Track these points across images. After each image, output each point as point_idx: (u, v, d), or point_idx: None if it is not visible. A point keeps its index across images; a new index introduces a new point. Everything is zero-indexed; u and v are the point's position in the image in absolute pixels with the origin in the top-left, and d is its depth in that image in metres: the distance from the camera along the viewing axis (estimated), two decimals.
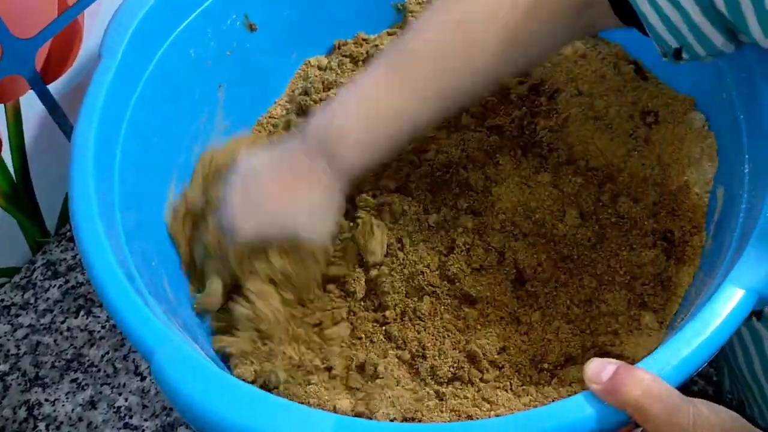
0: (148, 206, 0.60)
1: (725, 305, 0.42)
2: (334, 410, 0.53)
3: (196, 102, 0.68)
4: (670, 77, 0.68)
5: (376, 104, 0.57)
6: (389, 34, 0.78)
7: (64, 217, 0.78)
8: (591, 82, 0.67)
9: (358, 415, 0.52)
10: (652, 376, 0.39)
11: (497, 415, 0.51)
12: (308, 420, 0.40)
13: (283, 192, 0.58)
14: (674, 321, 0.55)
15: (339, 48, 0.77)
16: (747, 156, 0.54)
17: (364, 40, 0.77)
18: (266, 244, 0.58)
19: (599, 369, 0.41)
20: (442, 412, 0.52)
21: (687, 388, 0.39)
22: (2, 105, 0.66)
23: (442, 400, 0.53)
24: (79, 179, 0.51)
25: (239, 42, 0.71)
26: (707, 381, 0.66)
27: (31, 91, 0.68)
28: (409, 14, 0.77)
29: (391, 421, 0.51)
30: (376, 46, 0.76)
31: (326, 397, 0.54)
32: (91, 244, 0.48)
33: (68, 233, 0.78)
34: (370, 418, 0.51)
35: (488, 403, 0.52)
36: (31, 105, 0.69)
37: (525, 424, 0.39)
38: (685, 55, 0.51)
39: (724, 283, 0.44)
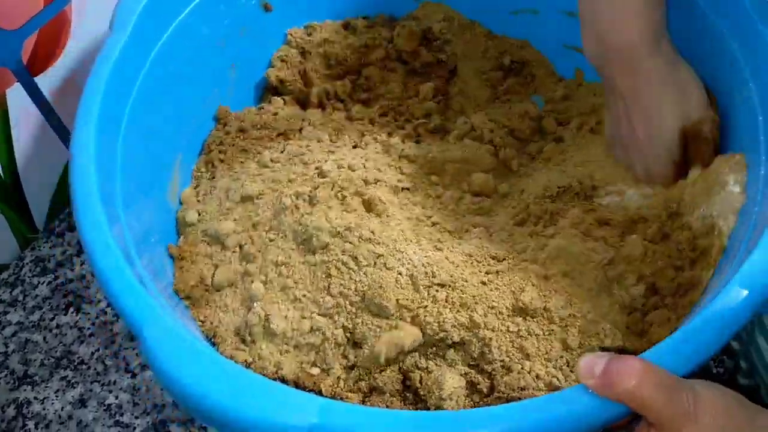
0: (150, 187, 0.60)
1: (728, 306, 0.42)
2: None
3: (207, 81, 0.68)
4: None
5: None
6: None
7: (53, 212, 0.78)
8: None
9: None
10: (644, 363, 0.39)
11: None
12: (294, 402, 0.40)
13: None
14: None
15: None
16: (764, 158, 0.52)
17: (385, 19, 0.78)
18: None
19: (591, 364, 0.40)
20: None
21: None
22: None
23: None
24: (80, 154, 0.51)
25: (254, 21, 0.71)
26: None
27: (17, 84, 0.67)
28: None
29: None
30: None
31: None
32: (89, 224, 0.48)
33: (57, 229, 0.78)
34: None
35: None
36: (17, 98, 0.68)
37: (523, 414, 0.39)
38: None
39: (731, 282, 0.43)
